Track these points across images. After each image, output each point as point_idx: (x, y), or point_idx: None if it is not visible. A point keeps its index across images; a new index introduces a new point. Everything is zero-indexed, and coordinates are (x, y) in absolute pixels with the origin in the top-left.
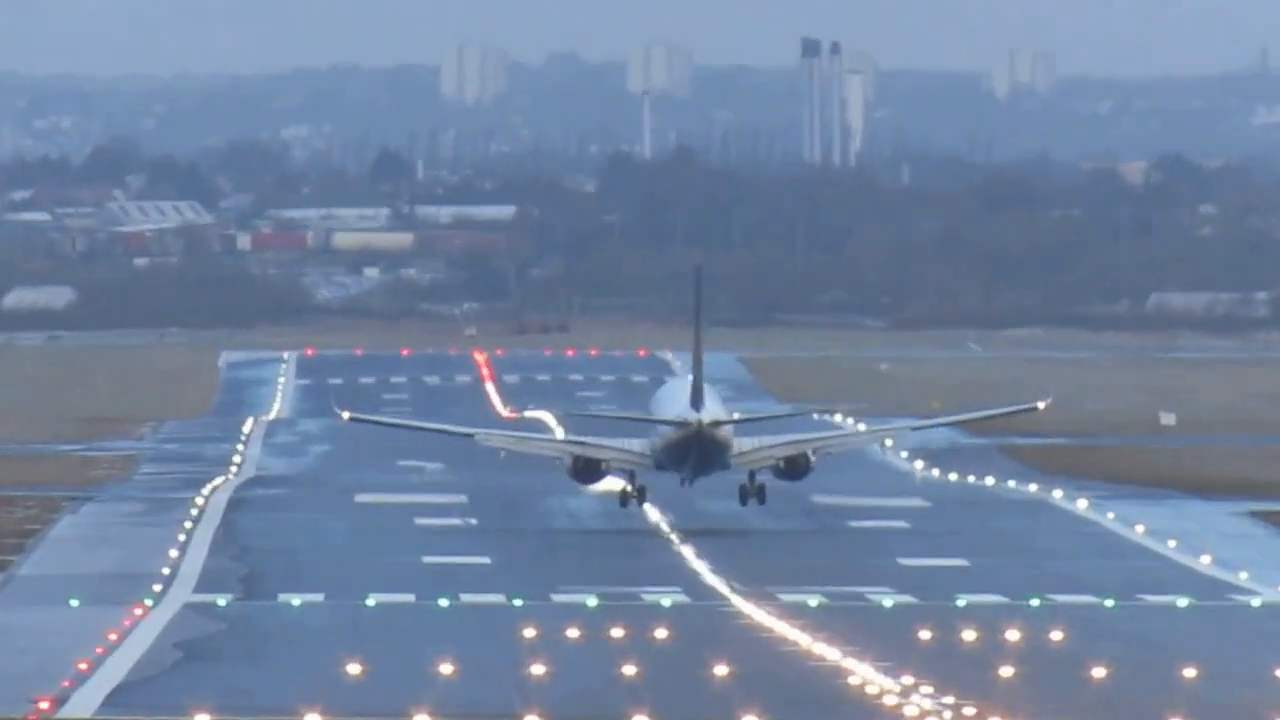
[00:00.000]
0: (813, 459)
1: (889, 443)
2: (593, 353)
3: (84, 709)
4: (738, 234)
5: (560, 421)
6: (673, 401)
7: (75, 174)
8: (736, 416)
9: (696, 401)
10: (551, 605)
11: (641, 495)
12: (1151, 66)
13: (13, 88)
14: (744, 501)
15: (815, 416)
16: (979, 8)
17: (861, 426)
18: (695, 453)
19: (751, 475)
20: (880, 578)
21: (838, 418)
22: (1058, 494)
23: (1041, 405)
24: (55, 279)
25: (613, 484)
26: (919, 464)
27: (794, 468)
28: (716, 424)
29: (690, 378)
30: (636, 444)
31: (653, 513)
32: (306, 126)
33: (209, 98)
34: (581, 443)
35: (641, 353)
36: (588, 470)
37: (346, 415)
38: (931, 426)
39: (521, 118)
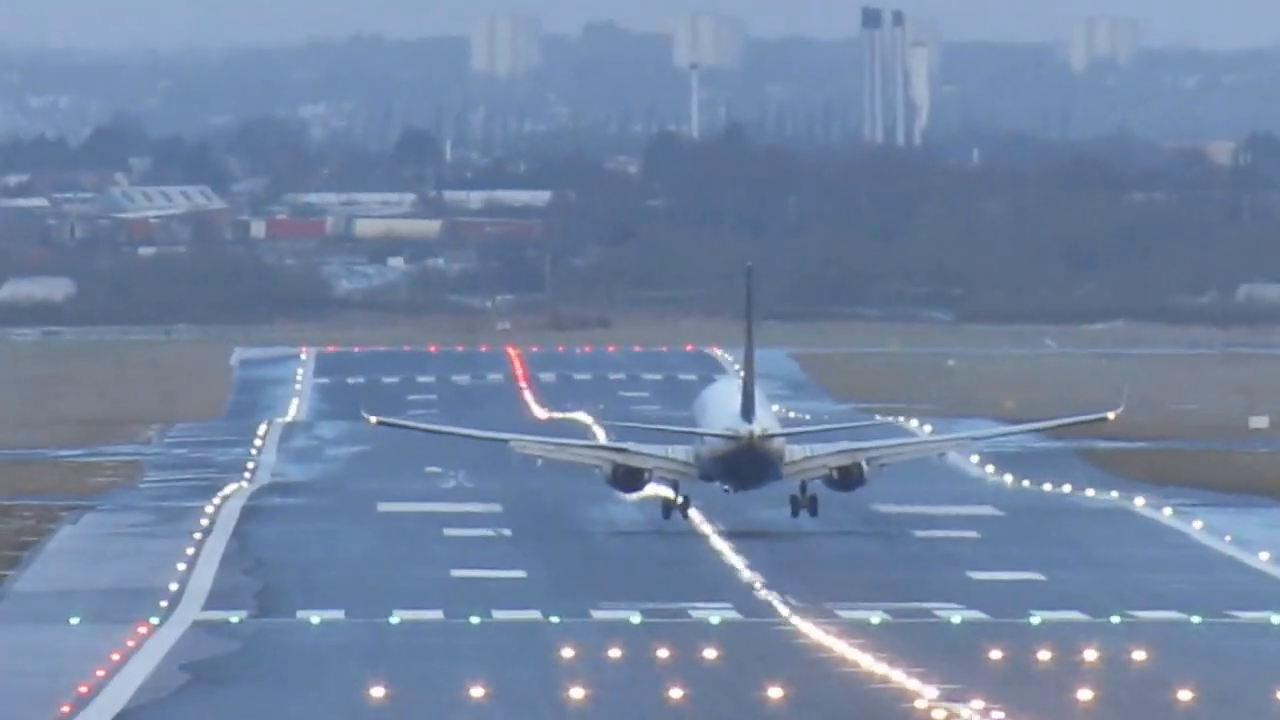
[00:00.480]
0: (866, 469)
1: (948, 454)
2: (636, 349)
3: None
4: (792, 219)
5: (599, 423)
6: (720, 409)
7: (74, 156)
8: (795, 426)
9: (748, 412)
10: (592, 623)
11: (686, 505)
12: (1242, 38)
13: (6, 63)
14: (795, 513)
15: (878, 418)
16: None
17: (928, 430)
18: (746, 466)
19: (803, 485)
20: (948, 592)
21: (913, 423)
22: (1140, 502)
23: (1112, 415)
24: (53, 270)
25: (655, 490)
26: (990, 469)
27: (847, 478)
28: (769, 437)
29: (737, 381)
30: (681, 451)
31: (701, 522)
32: (325, 104)
33: (219, 73)
34: (623, 450)
35: (689, 348)
36: (629, 479)
37: (374, 420)
38: (991, 437)
39: (558, 94)
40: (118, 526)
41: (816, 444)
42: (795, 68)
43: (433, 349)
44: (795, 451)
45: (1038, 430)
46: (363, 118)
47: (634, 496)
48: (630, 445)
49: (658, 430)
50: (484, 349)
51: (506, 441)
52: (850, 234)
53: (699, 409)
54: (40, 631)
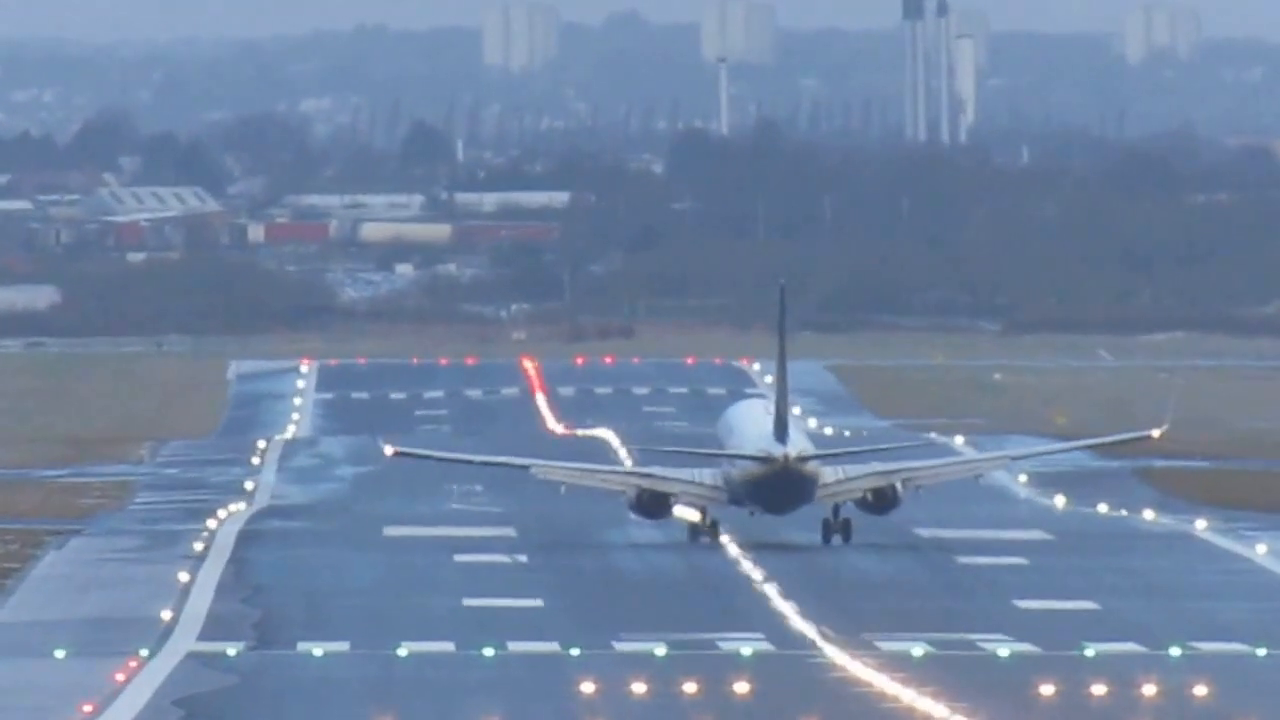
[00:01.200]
0: (901, 491)
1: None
2: (661, 361)
3: None
4: (828, 223)
5: (624, 442)
6: (749, 429)
7: (60, 155)
8: (831, 446)
9: (781, 433)
10: (613, 655)
11: (715, 530)
12: None
13: None
14: (827, 539)
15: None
16: None
17: (968, 448)
18: (779, 490)
19: (835, 509)
20: (995, 623)
21: (958, 440)
22: (1201, 525)
23: (1156, 433)
24: (37, 277)
25: (681, 514)
26: (1039, 490)
27: (881, 501)
28: (805, 459)
29: (763, 399)
30: (708, 475)
31: (730, 545)
32: (328, 99)
33: (215, 65)
34: (648, 475)
35: (717, 361)
36: (654, 504)
37: (391, 450)
38: (1031, 456)
39: (577, 89)
40: (107, 552)
41: (849, 465)
42: (831, 60)
43: (443, 361)
44: (827, 474)
45: (1079, 449)
46: (368, 114)
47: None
48: (655, 469)
49: (686, 453)
50: (498, 361)
51: (528, 468)
52: (890, 239)
53: (724, 429)
54: (23, 665)
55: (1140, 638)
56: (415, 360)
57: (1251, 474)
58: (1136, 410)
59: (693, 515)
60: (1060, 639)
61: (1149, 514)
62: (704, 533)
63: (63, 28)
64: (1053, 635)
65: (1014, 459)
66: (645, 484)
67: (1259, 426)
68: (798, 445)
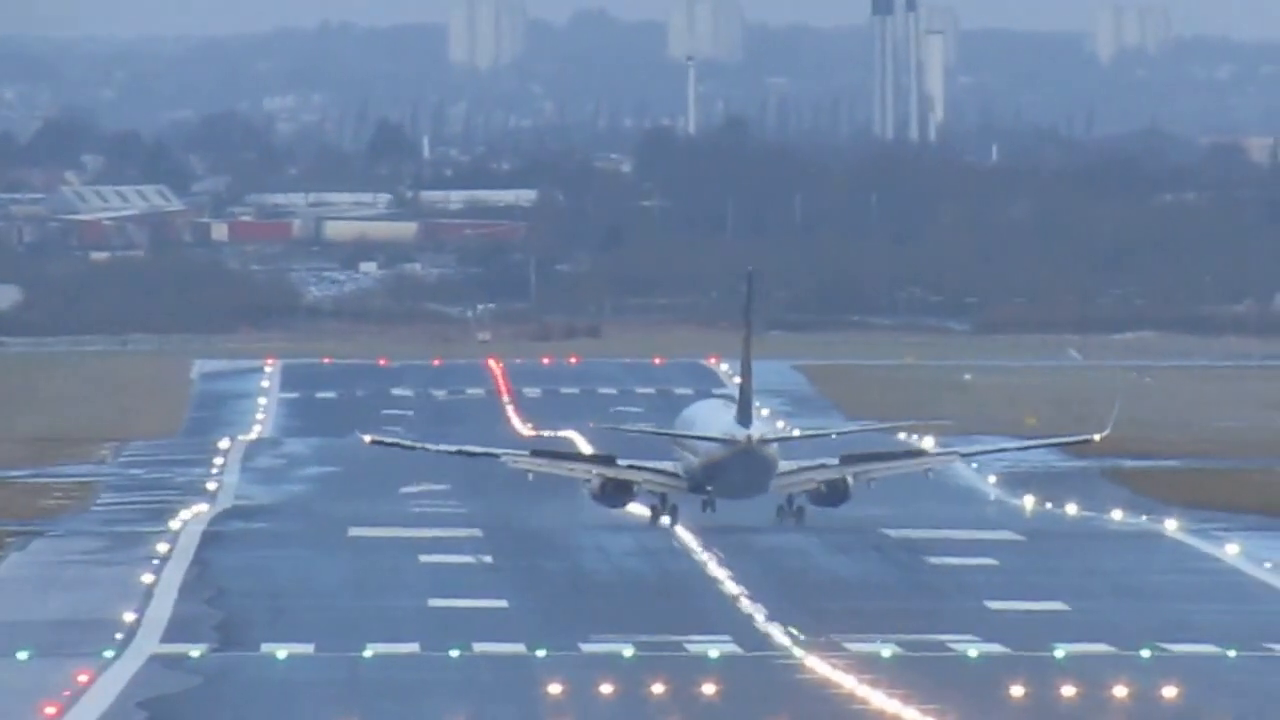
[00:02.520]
0: (852, 484)
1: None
2: (627, 361)
3: None
4: (797, 222)
5: (591, 443)
6: (712, 420)
7: (21, 153)
8: (796, 432)
9: (745, 417)
10: (580, 656)
11: (674, 516)
12: (1278, 26)
13: None
14: (781, 519)
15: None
16: None
17: (929, 443)
18: (740, 473)
19: (789, 499)
20: (964, 624)
21: (928, 440)
22: (1171, 525)
23: (1098, 437)
24: None
25: (642, 507)
26: (1009, 491)
27: (833, 493)
28: (766, 441)
29: (727, 400)
30: (669, 464)
31: (692, 541)
32: (292, 97)
33: (178, 63)
34: (612, 463)
35: (684, 361)
36: (618, 493)
37: (368, 439)
38: (978, 454)
39: (544, 86)
40: (69, 553)
41: (802, 458)
42: (799, 58)
43: (410, 361)
44: (783, 465)
45: (1021, 449)
46: (333, 112)
47: (621, 511)
48: (619, 458)
49: (653, 433)
50: (464, 361)
51: (498, 457)
52: (859, 237)
53: (683, 425)
54: None
55: (1110, 638)
56: (382, 360)
57: (1221, 473)
58: (1106, 408)
59: (651, 505)
60: (1030, 640)
61: (1118, 514)
62: (664, 515)
63: (25, 26)
64: (1023, 636)
65: (963, 455)
66: (608, 473)
67: (1228, 425)
68: (760, 429)
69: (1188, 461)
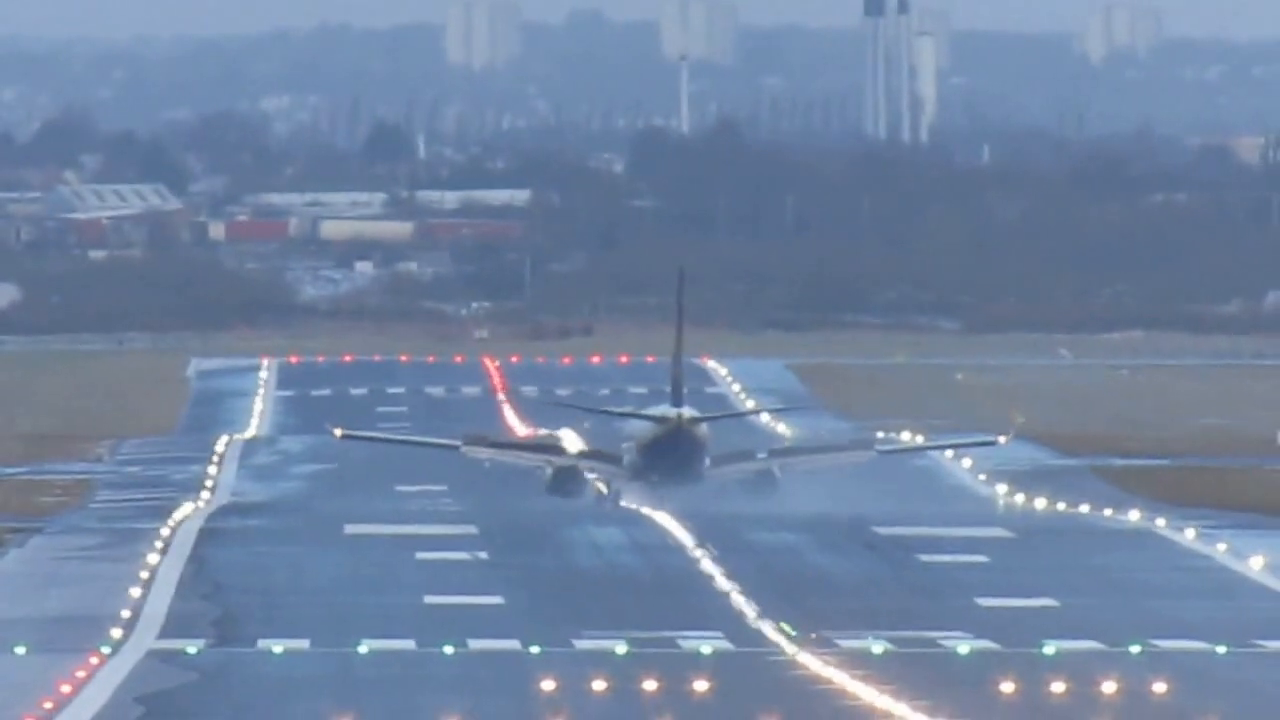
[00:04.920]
0: (779, 475)
1: (860, 457)
2: (622, 360)
3: None
4: (789, 222)
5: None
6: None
7: (20, 153)
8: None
9: (676, 400)
10: (574, 653)
11: (617, 499)
12: (1269, 26)
13: None
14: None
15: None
16: None
17: (906, 436)
18: (673, 451)
19: (723, 489)
20: (955, 620)
21: (920, 438)
22: (1161, 523)
23: (1003, 439)
24: None
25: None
26: (1001, 488)
27: (762, 483)
28: (695, 421)
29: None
30: (617, 453)
31: (691, 547)
32: (289, 97)
33: (176, 63)
34: (562, 452)
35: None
36: (569, 481)
37: (339, 433)
38: (903, 451)
39: (538, 87)
40: (67, 550)
41: (735, 453)
42: (792, 59)
43: (404, 359)
44: (719, 455)
45: (933, 448)
46: (329, 112)
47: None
48: (569, 449)
49: (594, 411)
50: (459, 359)
51: (457, 447)
52: (851, 237)
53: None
54: None
55: (1100, 635)
56: (377, 357)
57: (1211, 471)
58: (1096, 406)
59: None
60: (1021, 636)
61: (1109, 512)
62: (608, 499)
63: (23, 26)
64: (1013, 633)
65: (884, 451)
66: (560, 462)
67: (1218, 424)
68: (689, 411)
69: (1178, 459)
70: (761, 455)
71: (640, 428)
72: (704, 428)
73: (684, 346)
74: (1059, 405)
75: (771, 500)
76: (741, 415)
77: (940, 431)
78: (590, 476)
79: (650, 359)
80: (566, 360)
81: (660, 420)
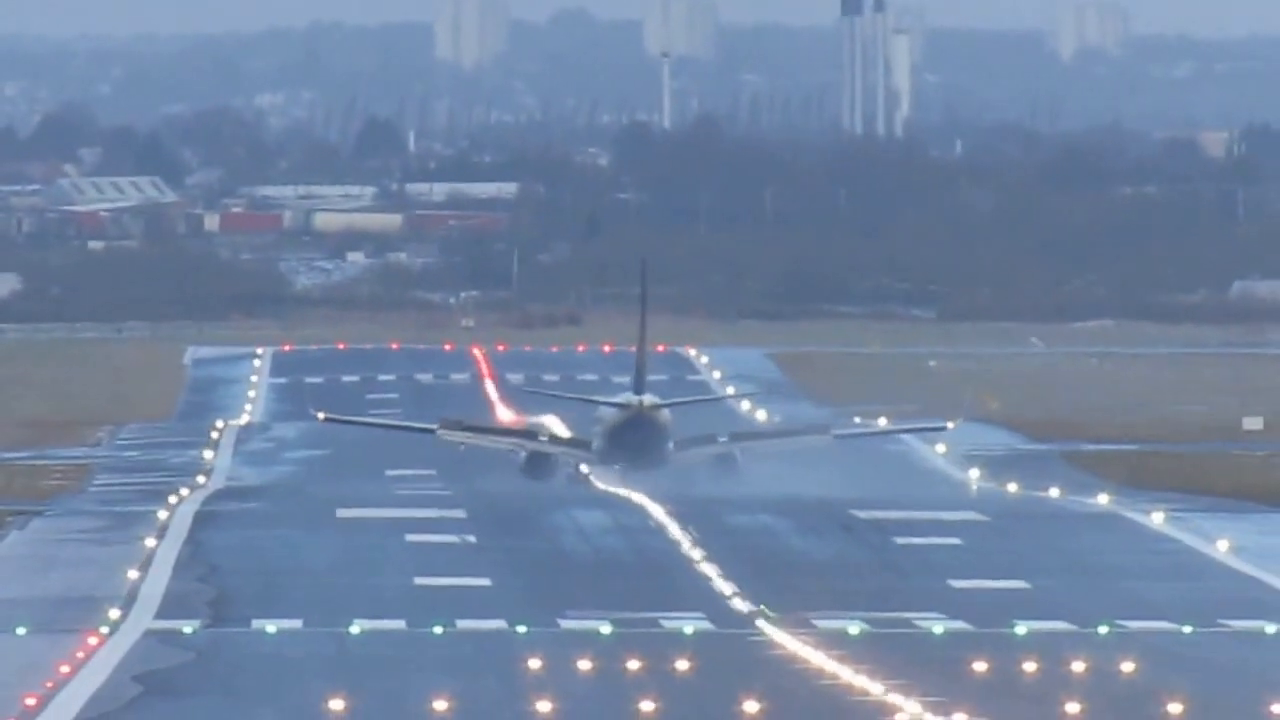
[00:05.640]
0: (739, 459)
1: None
2: (606, 348)
3: None
4: (768, 214)
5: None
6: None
7: (21, 146)
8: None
9: (639, 386)
10: (559, 633)
11: (587, 479)
12: (1235, 25)
13: None
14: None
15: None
16: None
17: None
18: (636, 435)
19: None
20: (930, 602)
21: (881, 421)
22: (1129, 507)
23: (950, 425)
24: None
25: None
26: (974, 473)
27: (723, 465)
28: (656, 407)
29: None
30: (586, 438)
31: (674, 530)
32: (283, 93)
33: (173, 60)
34: (535, 438)
35: (660, 348)
36: (541, 464)
37: (322, 416)
38: (851, 436)
39: (525, 83)
40: (66, 532)
41: (698, 438)
42: (771, 56)
43: (394, 346)
44: (682, 439)
45: (881, 433)
46: (322, 108)
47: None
48: (541, 434)
49: (561, 397)
50: (448, 347)
51: (434, 431)
52: (828, 229)
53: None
54: None
55: (1070, 616)
56: (368, 346)
57: (1178, 456)
58: (1066, 393)
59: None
60: (992, 617)
61: (1079, 496)
62: (580, 481)
63: (26, 24)
64: (985, 613)
65: (836, 436)
66: (532, 446)
67: (1185, 410)
68: (650, 398)
69: (1145, 445)
70: (723, 439)
71: (606, 413)
72: (665, 413)
73: (673, 338)
74: (1031, 392)
75: (750, 485)
76: (700, 401)
77: (911, 416)
78: (561, 460)
79: (633, 348)
80: (554, 348)
81: (623, 407)
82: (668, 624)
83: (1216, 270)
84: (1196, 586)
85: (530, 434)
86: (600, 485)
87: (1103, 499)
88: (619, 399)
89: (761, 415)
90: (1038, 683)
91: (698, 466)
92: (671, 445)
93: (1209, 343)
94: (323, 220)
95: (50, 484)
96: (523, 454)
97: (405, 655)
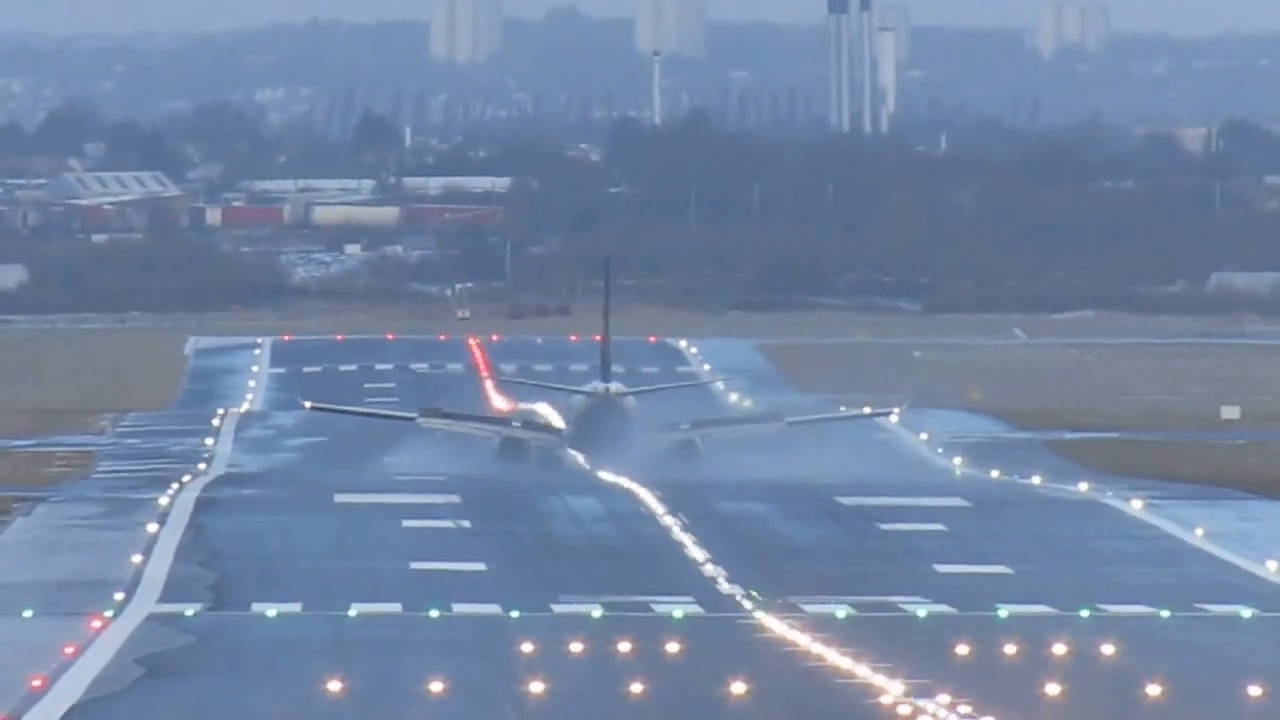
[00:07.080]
0: (700, 446)
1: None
2: (597, 339)
3: None
4: (756, 207)
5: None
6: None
7: (27, 142)
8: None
9: (605, 374)
10: (552, 617)
11: (558, 463)
12: (1212, 22)
13: None
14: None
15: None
16: None
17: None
18: (603, 422)
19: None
20: (914, 586)
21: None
22: (1109, 494)
23: (896, 412)
24: (5, 257)
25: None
26: (957, 460)
27: (685, 452)
28: (622, 395)
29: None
30: (556, 425)
31: (664, 515)
32: (282, 89)
33: (174, 57)
34: (510, 425)
35: (651, 339)
36: (515, 450)
37: (309, 404)
38: (806, 422)
39: (518, 80)
40: (71, 518)
41: (661, 425)
42: (759, 53)
43: (390, 337)
44: (649, 426)
45: (833, 419)
46: (321, 103)
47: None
48: (516, 421)
49: (533, 385)
50: (443, 337)
51: (414, 419)
52: (815, 222)
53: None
54: None
55: (1051, 600)
56: (363, 336)
57: (1157, 445)
58: (1048, 383)
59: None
60: (976, 601)
61: (1060, 483)
62: (550, 463)
63: (31, 22)
64: (968, 597)
65: (789, 423)
66: (506, 432)
67: (1163, 399)
68: (616, 386)
69: (1125, 433)
70: (684, 426)
71: (575, 401)
72: (631, 400)
73: (663, 329)
74: (1013, 382)
75: (738, 471)
76: (665, 389)
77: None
78: (534, 446)
79: (625, 339)
80: (539, 340)
81: (590, 394)
82: (658, 608)
83: (1194, 262)
84: (1175, 571)
85: (505, 421)
86: (571, 466)
87: (1083, 486)
88: (586, 387)
89: (748, 404)
90: (1019, 665)
91: (661, 452)
92: (637, 432)
93: (1187, 333)
94: (321, 214)
95: (55, 470)
96: (497, 440)
97: (402, 638)
